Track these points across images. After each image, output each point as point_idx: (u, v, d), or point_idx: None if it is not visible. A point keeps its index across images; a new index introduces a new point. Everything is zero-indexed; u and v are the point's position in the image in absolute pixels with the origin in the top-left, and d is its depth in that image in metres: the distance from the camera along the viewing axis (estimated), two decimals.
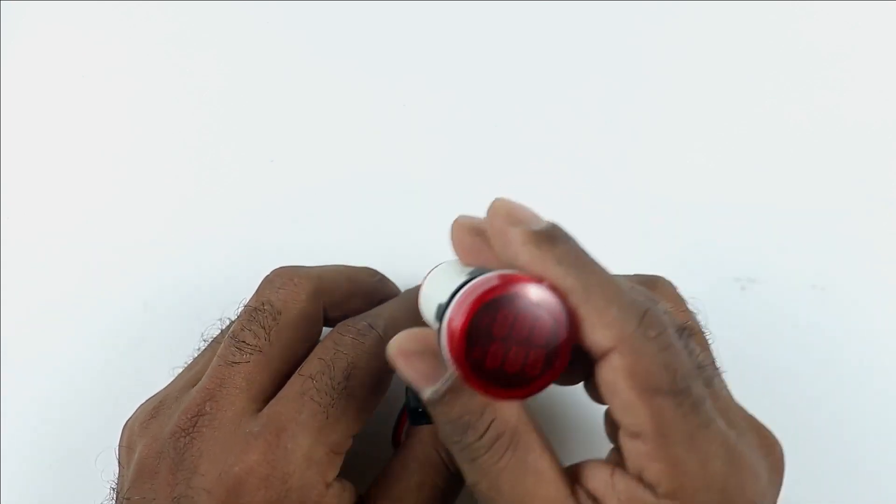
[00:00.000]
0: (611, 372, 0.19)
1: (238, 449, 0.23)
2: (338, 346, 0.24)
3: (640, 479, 0.20)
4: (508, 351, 0.19)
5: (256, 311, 0.25)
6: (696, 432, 0.19)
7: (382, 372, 0.25)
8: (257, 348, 0.24)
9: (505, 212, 0.21)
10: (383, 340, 0.24)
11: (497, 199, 0.21)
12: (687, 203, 0.35)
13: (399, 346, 0.20)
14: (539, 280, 0.20)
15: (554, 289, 0.19)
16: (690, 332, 0.23)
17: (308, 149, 0.36)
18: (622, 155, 0.36)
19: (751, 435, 0.23)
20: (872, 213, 0.35)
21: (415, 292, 0.26)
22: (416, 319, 0.24)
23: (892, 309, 0.34)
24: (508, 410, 0.21)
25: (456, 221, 0.23)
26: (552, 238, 0.20)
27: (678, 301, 0.26)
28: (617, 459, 0.21)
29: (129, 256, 0.35)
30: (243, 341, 0.24)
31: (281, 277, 0.26)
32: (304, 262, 0.28)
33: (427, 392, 0.20)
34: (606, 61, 0.37)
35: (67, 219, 0.35)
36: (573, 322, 0.19)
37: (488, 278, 0.20)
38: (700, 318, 0.26)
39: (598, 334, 0.19)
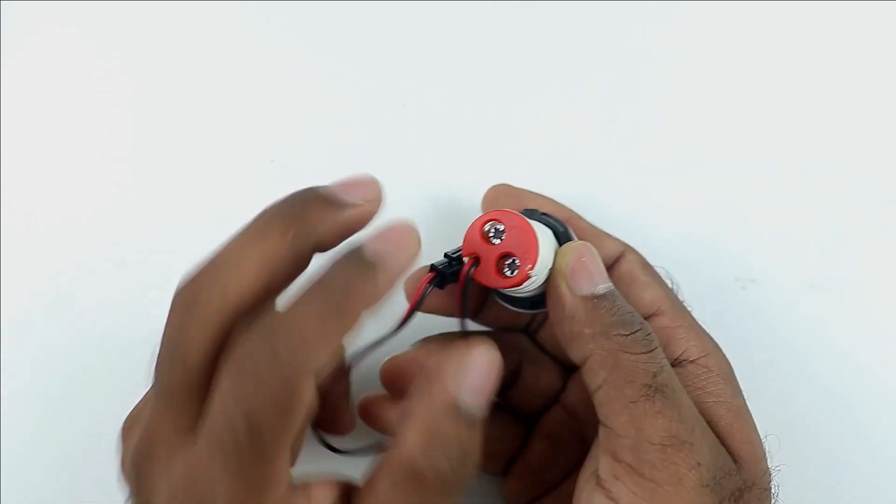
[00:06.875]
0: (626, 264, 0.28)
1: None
2: (234, 390, 0.20)
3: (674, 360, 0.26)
4: None
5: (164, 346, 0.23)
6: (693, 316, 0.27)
7: (288, 402, 0.19)
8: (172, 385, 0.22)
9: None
10: (280, 369, 0.19)
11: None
12: (687, 203, 0.35)
13: (572, 262, 0.24)
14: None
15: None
16: None
17: (308, 149, 0.36)
18: (622, 155, 0.36)
19: None
20: (872, 212, 0.35)
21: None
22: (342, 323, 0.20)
23: (892, 309, 0.34)
24: None
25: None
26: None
27: None
28: None
29: (129, 256, 0.35)
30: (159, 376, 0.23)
31: (176, 307, 0.23)
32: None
33: (602, 285, 0.24)
34: (607, 61, 0.37)
35: (67, 218, 0.35)
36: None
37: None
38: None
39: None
